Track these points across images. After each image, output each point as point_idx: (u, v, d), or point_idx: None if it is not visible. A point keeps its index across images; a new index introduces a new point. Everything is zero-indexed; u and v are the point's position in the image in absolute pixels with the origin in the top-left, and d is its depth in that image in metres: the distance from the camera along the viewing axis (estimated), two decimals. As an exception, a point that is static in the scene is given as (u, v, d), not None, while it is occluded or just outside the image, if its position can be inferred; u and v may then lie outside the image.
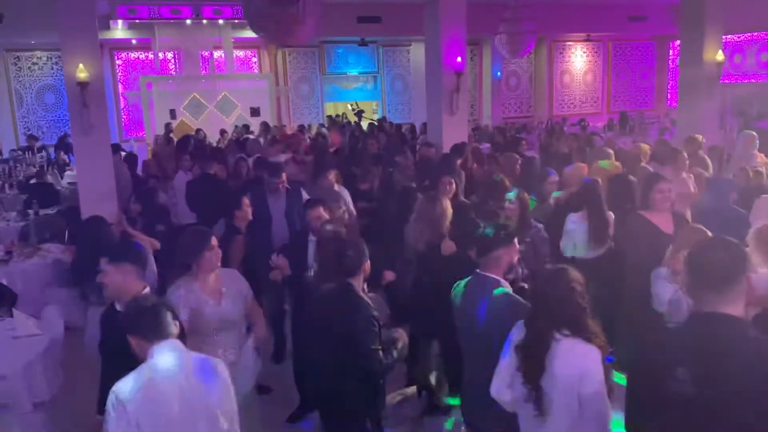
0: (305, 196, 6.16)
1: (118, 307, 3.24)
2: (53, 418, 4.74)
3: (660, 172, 7.04)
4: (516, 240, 3.51)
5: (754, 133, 8.33)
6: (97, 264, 3.30)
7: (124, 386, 2.43)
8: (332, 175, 6.87)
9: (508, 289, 3.39)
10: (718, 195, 5.99)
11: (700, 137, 8.03)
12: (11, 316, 5.24)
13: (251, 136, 13.35)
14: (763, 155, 7.86)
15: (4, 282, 6.21)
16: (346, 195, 6.81)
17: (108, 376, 3.42)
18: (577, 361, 2.70)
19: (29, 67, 16.65)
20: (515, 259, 3.51)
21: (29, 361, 4.76)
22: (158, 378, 2.47)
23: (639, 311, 4.35)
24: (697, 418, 2.07)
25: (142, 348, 2.56)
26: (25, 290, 6.63)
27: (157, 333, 2.55)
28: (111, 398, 2.41)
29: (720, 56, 10.71)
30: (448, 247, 4.71)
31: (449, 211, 4.81)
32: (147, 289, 3.26)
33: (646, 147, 7.85)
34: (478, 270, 3.48)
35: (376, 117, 18.86)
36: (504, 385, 2.96)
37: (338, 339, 3.46)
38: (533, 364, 2.76)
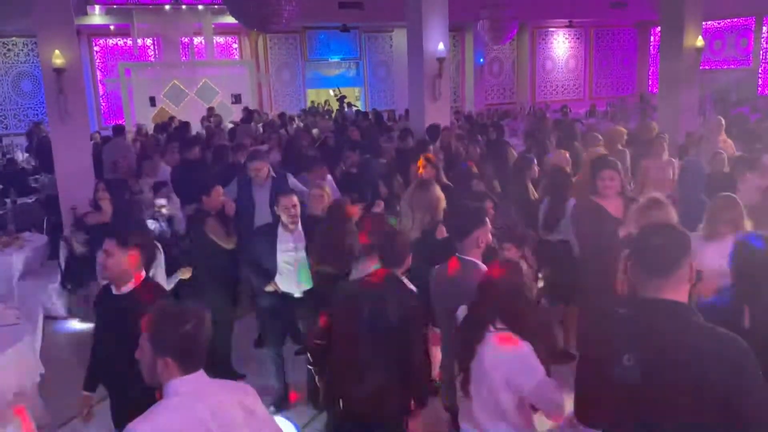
0: (294, 183, 6.16)
1: (114, 290, 3.23)
2: (32, 408, 4.69)
3: (639, 156, 7.10)
4: (487, 220, 3.54)
5: (722, 118, 8.39)
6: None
7: (143, 428, 2.06)
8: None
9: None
10: None
11: (623, 130, 8.04)
12: (-11, 306, 5.17)
13: (231, 124, 13.28)
14: (729, 140, 7.90)
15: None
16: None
17: (97, 354, 3.44)
18: (505, 358, 2.69)
19: (5, 54, 16.34)
20: (489, 239, 3.52)
21: (9, 351, 4.70)
22: (179, 423, 2.11)
23: (592, 295, 4.36)
24: (643, 405, 2.07)
25: (168, 373, 2.18)
26: (2, 280, 6.56)
27: (196, 363, 2.20)
28: None
29: (700, 42, 10.79)
30: (441, 232, 4.71)
31: (443, 197, 4.83)
32: (139, 280, 3.24)
33: (622, 130, 7.88)
34: (457, 254, 3.50)
35: (358, 103, 18.80)
36: None
37: (388, 332, 3.20)
38: (466, 349, 2.78)
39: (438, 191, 4.80)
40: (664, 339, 2.04)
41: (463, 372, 2.81)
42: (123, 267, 3.18)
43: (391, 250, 3.40)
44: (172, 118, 13.73)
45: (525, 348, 2.71)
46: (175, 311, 2.27)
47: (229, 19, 10.82)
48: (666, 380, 2.02)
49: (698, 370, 1.97)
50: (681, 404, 2.01)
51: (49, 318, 6.66)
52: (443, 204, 4.77)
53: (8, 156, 12.47)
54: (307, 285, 4.82)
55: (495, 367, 2.71)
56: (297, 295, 4.84)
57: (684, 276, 2.12)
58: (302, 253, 4.77)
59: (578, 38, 22.07)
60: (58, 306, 6.93)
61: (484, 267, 3.41)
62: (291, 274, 4.81)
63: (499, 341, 2.73)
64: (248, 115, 13.55)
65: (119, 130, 10.85)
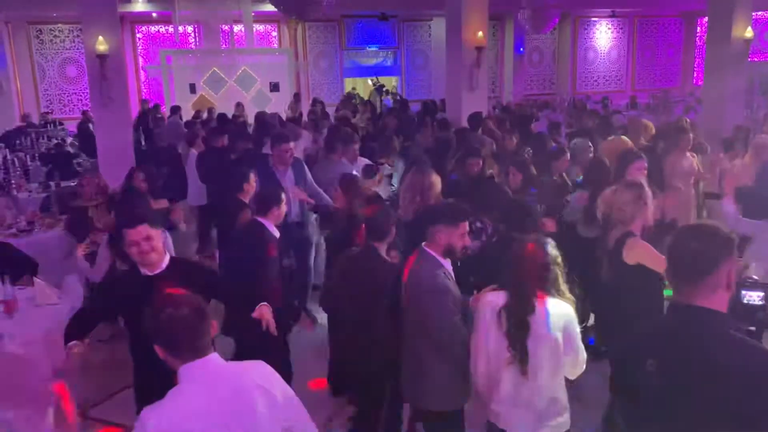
0: (310, 179, 6.13)
1: (147, 272, 3.21)
2: (73, 385, 4.82)
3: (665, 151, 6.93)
4: (461, 224, 3.29)
5: None
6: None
7: (155, 415, 2.11)
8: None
9: (447, 270, 3.29)
10: None
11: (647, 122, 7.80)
12: (32, 285, 5.32)
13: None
14: None
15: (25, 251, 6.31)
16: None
17: (130, 329, 3.43)
18: (561, 312, 2.88)
19: (51, 40, 16.76)
20: (458, 242, 3.29)
21: (49, 329, 4.84)
22: (192, 409, 2.12)
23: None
24: (664, 412, 2.00)
25: (169, 362, 2.22)
26: (45, 260, 6.73)
27: (187, 349, 2.18)
28: (137, 426, 2.12)
29: (749, 33, 10.45)
30: None
31: (438, 183, 4.84)
32: (168, 257, 3.29)
33: (650, 124, 7.68)
34: (423, 244, 3.36)
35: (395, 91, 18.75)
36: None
37: (363, 295, 3.61)
38: (522, 327, 2.85)
39: (432, 176, 4.80)
40: (688, 347, 1.95)
41: (519, 352, 2.86)
42: (161, 246, 3.23)
43: (374, 225, 3.74)
44: (210, 109, 13.89)
45: (571, 308, 2.90)
46: (155, 300, 2.25)
47: (269, 7, 10.87)
48: (685, 390, 1.93)
49: (718, 383, 1.87)
50: (698, 416, 1.91)
51: (89, 298, 6.82)
52: (437, 189, 4.78)
53: (55, 140, 12.76)
54: None
55: (549, 327, 2.84)
56: None
57: (717, 283, 1.98)
58: None
59: (621, 28, 21.57)
60: (98, 287, 7.08)
61: (446, 264, 3.31)
62: None
63: (548, 305, 2.87)
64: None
65: (175, 109, 12.24)
